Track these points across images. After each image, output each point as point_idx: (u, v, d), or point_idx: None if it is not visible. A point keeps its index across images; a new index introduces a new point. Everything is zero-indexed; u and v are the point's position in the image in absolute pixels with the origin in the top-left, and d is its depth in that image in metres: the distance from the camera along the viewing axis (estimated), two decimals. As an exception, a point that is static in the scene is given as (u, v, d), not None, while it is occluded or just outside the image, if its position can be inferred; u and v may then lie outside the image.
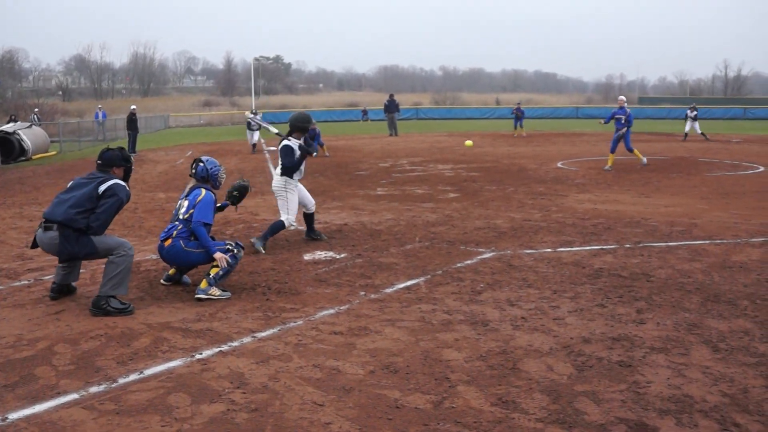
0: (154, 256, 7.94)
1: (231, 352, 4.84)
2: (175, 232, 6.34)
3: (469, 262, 7.47)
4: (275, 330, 5.29)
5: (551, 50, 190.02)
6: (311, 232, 8.83)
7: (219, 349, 4.89)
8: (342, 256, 7.87)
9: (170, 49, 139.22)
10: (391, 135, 33.10)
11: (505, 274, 6.91)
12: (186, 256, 6.33)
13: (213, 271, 6.22)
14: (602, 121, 18.36)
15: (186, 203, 6.43)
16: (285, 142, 8.36)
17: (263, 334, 5.21)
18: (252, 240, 8.27)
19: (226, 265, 6.25)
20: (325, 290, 6.38)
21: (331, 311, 5.75)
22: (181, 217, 6.37)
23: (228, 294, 6.24)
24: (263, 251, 8.09)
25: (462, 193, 13.24)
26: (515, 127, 33.77)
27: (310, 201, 8.73)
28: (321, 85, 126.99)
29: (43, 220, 5.88)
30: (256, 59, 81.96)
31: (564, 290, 6.32)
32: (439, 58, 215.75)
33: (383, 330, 5.25)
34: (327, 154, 22.92)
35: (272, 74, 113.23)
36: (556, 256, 7.72)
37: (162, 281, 6.71)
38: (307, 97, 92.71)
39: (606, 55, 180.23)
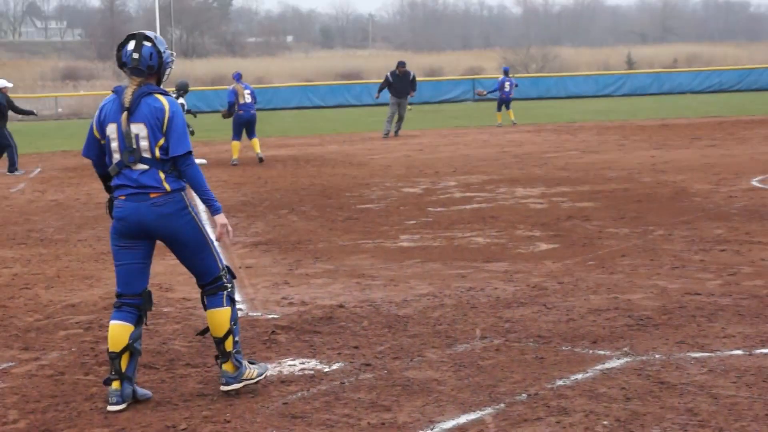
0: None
1: None
2: (162, 176, 4.11)
3: (579, 376, 4.81)
4: None
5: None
6: None
7: None
8: (334, 367, 4.68)
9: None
10: (387, 135, 20.59)
11: (651, 403, 4.42)
12: (185, 223, 4.17)
13: (228, 345, 4.36)
14: None
15: (143, 128, 4.11)
16: None
17: None
18: None
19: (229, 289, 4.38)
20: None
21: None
22: (146, 155, 4.12)
23: (267, 367, 4.48)
24: None
25: (563, 243, 8.61)
26: (501, 110, 23.12)
27: None
28: (289, 39, 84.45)
29: None
30: (164, -11, 48.86)
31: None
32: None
33: None
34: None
35: (196, 18, 73.42)
36: (753, 364, 4.74)
37: None
38: (262, 61, 56.92)
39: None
